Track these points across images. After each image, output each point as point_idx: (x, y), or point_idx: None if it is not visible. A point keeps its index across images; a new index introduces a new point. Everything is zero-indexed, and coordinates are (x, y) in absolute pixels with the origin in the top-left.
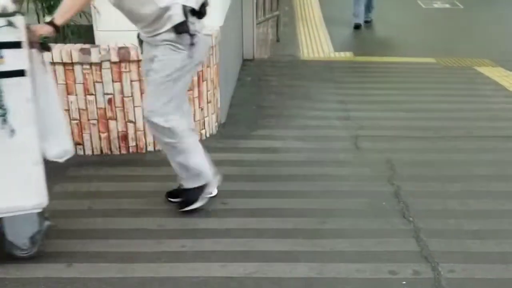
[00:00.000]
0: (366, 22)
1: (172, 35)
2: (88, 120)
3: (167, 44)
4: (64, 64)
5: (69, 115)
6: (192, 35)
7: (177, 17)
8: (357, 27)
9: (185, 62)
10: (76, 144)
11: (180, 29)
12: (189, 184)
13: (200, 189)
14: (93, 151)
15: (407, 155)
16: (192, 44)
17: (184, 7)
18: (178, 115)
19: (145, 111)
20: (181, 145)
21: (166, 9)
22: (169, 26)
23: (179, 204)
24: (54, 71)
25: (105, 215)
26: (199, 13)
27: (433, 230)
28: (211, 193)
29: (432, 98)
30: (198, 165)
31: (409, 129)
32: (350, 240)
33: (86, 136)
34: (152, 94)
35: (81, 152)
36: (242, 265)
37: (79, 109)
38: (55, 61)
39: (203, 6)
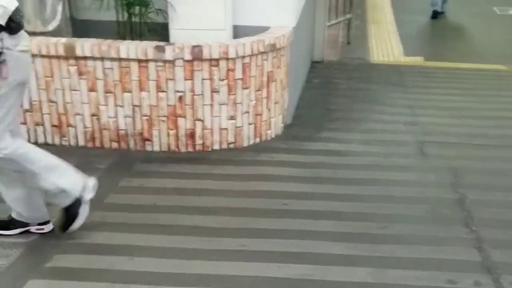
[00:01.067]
0: (441, 13)
1: None
2: (158, 116)
3: None
4: (138, 60)
5: (140, 111)
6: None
7: None
8: (435, 15)
9: None
10: (145, 140)
11: None
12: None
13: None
14: (160, 147)
15: (473, 163)
16: (1, 62)
17: None
18: (9, 140)
19: None
20: (28, 168)
21: None
22: None
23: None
24: (129, 67)
25: (168, 211)
26: (10, 28)
27: (497, 241)
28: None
29: (502, 105)
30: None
31: (476, 137)
32: (410, 246)
33: (155, 132)
34: None
35: (149, 148)
36: (300, 267)
37: (150, 105)
38: (130, 57)
39: (12, 20)
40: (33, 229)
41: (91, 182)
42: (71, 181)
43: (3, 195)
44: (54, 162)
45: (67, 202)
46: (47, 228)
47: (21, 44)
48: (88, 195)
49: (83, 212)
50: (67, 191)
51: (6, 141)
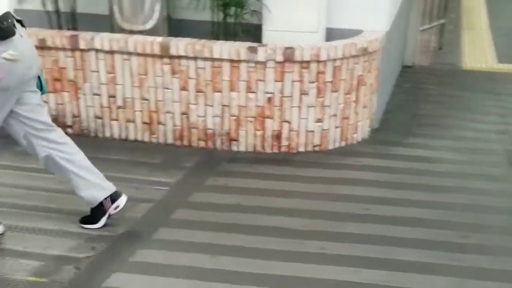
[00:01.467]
0: None
1: None
2: (246, 117)
3: None
4: (231, 61)
5: (229, 111)
6: None
7: None
8: None
9: None
10: (231, 140)
11: None
12: None
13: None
14: (246, 148)
15: None
16: None
17: None
18: None
19: None
20: None
21: None
22: None
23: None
24: (221, 67)
25: (252, 211)
26: None
27: None
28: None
29: None
30: None
31: None
32: (493, 257)
33: (242, 133)
34: None
35: (235, 148)
36: (378, 273)
37: (239, 105)
38: (223, 57)
39: None
40: (112, 211)
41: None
42: None
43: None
44: None
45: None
46: (121, 202)
47: (8, 52)
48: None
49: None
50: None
51: None
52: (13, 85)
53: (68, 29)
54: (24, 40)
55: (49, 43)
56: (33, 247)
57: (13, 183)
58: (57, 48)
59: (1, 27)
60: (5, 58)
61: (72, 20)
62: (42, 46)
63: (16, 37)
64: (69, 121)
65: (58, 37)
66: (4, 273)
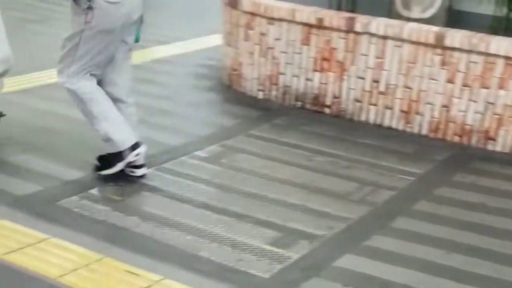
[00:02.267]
0: None
1: None
2: (510, 117)
3: (73, 4)
4: (506, 57)
5: (492, 109)
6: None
7: None
8: None
9: (83, 27)
10: (488, 138)
11: None
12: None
13: (114, 156)
14: (503, 148)
15: None
16: (89, 8)
17: None
18: (82, 79)
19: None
20: (88, 108)
21: None
22: None
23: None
24: (494, 63)
25: (496, 213)
26: None
27: None
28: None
29: None
30: (106, 132)
31: None
32: None
33: (501, 133)
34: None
35: (491, 147)
36: None
37: (505, 104)
38: (499, 53)
39: None
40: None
41: (142, 148)
42: (121, 136)
43: None
44: (113, 114)
45: (110, 150)
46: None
47: None
48: (131, 157)
49: (119, 166)
50: (113, 142)
51: (78, 80)
52: (118, 28)
53: (347, 10)
54: None
55: (326, 23)
56: (274, 217)
57: (266, 154)
58: (332, 29)
59: None
60: (108, 2)
61: (351, 2)
62: (318, 25)
63: None
64: (328, 101)
65: (335, 18)
66: (243, 238)
